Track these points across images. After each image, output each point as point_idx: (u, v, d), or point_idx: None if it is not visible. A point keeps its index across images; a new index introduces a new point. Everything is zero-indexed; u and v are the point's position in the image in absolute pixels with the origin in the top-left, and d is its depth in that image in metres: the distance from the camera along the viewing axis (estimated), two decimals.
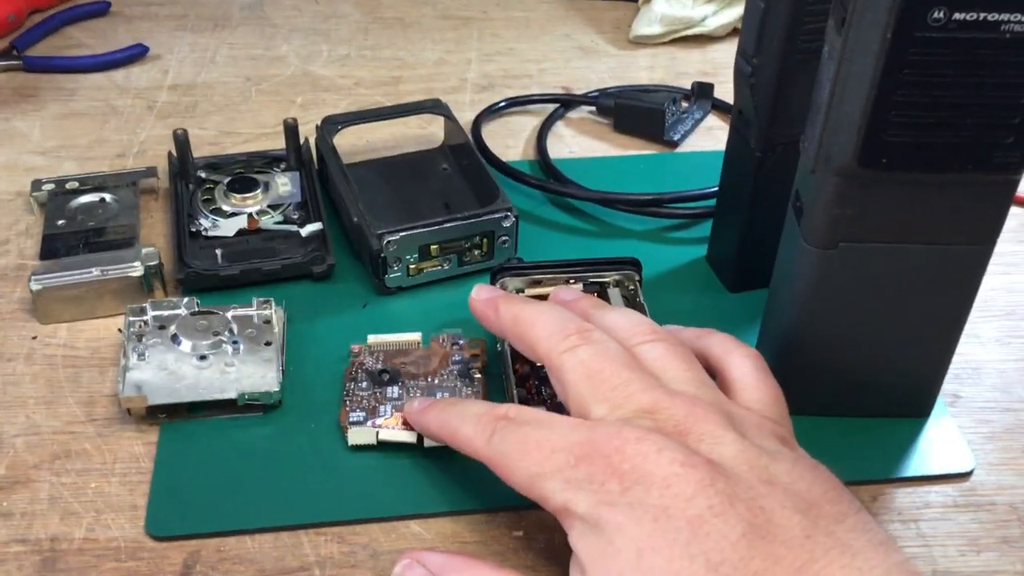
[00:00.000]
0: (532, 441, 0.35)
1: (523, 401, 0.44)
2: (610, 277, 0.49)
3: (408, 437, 0.43)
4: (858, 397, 0.45)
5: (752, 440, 0.34)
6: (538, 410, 0.38)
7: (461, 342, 0.48)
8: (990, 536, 0.42)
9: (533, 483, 0.35)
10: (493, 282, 0.49)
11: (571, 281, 0.48)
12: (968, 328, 0.43)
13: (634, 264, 0.49)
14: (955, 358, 0.44)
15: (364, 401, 0.45)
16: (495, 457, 0.37)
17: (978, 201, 0.38)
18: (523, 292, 0.48)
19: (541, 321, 0.40)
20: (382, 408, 0.45)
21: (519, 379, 0.45)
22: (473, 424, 0.38)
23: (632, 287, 0.49)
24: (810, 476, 0.33)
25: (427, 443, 0.43)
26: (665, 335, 0.39)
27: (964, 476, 0.44)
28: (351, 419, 0.44)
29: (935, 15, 0.33)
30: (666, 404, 0.35)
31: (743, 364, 0.39)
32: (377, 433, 0.43)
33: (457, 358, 0.47)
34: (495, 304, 0.42)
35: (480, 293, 0.44)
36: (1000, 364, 0.50)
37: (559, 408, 0.43)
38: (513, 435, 0.36)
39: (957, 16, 0.33)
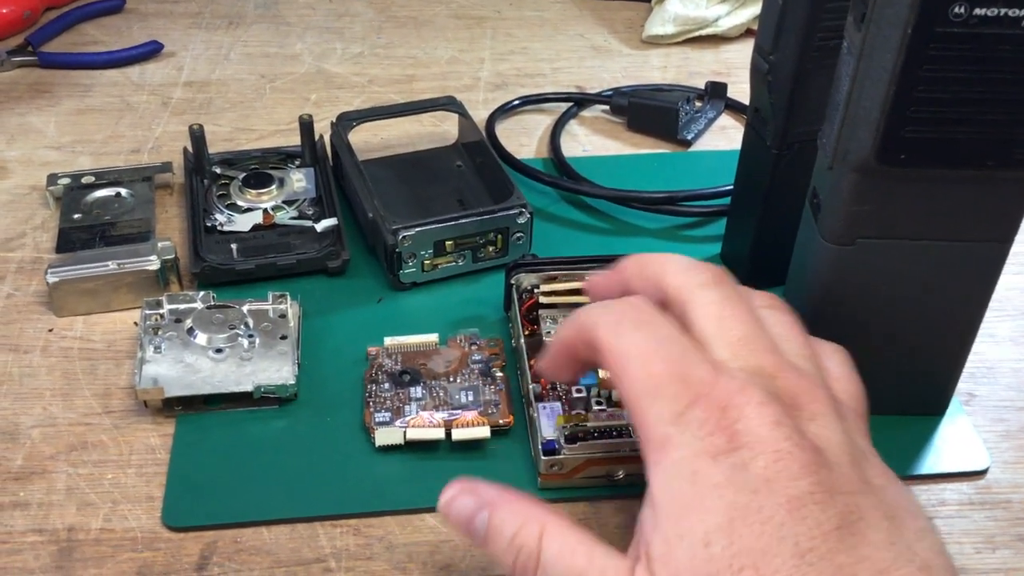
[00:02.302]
0: (659, 354, 0.33)
1: (537, 396, 0.44)
2: None
3: (436, 434, 0.43)
4: (873, 395, 0.44)
5: (850, 434, 0.34)
6: (665, 315, 0.35)
7: (479, 342, 0.48)
8: (1005, 534, 0.42)
9: (639, 400, 0.33)
10: (508, 278, 0.49)
11: (586, 277, 0.48)
12: (983, 327, 0.43)
13: None
14: (970, 357, 0.44)
15: (388, 402, 0.45)
16: (614, 351, 0.34)
17: (997, 198, 0.38)
18: (538, 288, 0.48)
19: (673, 259, 0.38)
20: (407, 408, 0.45)
21: (534, 375, 0.45)
22: (601, 308, 0.36)
23: None
24: (896, 485, 0.33)
25: (455, 436, 0.44)
26: (785, 305, 0.38)
27: (979, 474, 0.44)
28: (377, 419, 0.44)
29: (956, 10, 0.33)
30: (787, 374, 0.34)
31: (834, 356, 0.38)
32: (404, 433, 0.44)
33: (477, 357, 0.47)
34: (621, 263, 0.40)
35: (596, 276, 0.42)
36: (1015, 363, 0.50)
37: (574, 403, 0.43)
38: (642, 334, 0.34)
39: (978, 11, 0.33)
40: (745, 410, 0.32)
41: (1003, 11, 0.33)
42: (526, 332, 0.47)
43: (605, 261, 0.48)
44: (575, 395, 0.44)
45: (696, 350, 0.34)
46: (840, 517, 0.30)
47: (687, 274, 0.37)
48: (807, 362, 0.36)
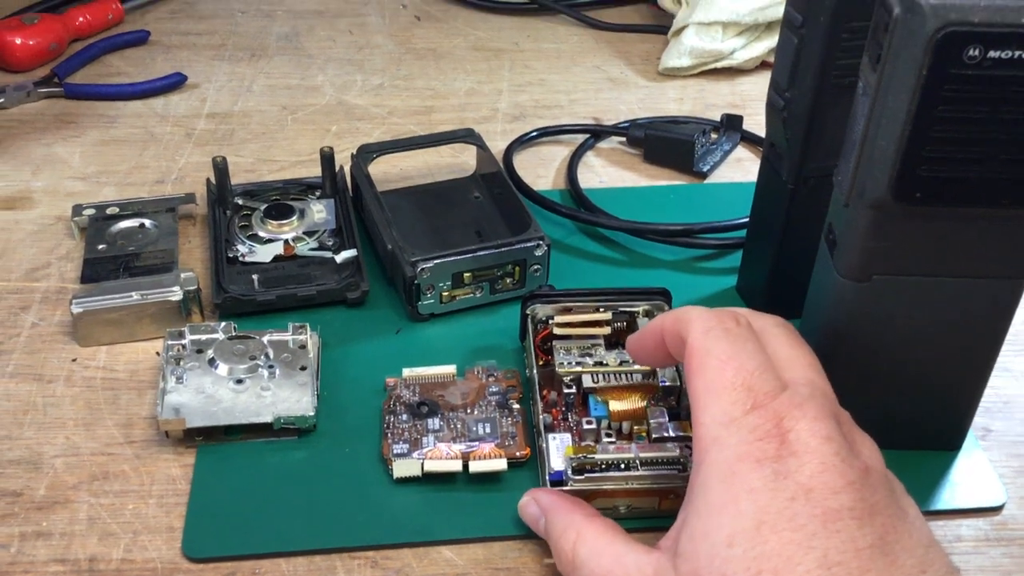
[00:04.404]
0: (735, 362, 0.35)
1: (548, 427, 0.44)
2: (640, 307, 0.49)
3: (453, 466, 0.44)
4: (889, 430, 0.44)
5: (888, 470, 0.35)
6: (752, 338, 0.37)
7: (496, 373, 0.49)
8: (1022, 571, 0.42)
9: (703, 398, 0.35)
10: (524, 309, 0.49)
11: (600, 309, 0.49)
12: (999, 361, 0.43)
13: (664, 294, 0.49)
14: (986, 392, 0.44)
15: (405, 433, 0.46)
16: (699, 349, 0.36)
17: (1012, 235, 0.38)
18: (553, 319, 0.48)
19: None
20: (425, 440, 0.45)
21: (546, 405, 0.46)
22: (702, 309, 0.38)
23: None
24: (926, 523, 0.34)
25: (472, 468, 0.44)
26: (791, 326, 0.41)
27: (995, 510, 0.44)
28: (395, 451, 0.45)
29: (971, 53, 0.33)
30: (841, 409, 0.37)
31: None
32: (422, 464, 0.44)
33: (494, 389, 0.48)
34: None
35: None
36: None
37: (585, 435, 0.44)
38: (728, 342, 0.36)
39: (992, 54, 0.33)
40: (800, 422, 0.33)
41: (1017, 54, 0.33)
42: (540, 362, 0.48)
43: (620, 293, 0.49)
44: (586, 427, 0.44)
45: (770, 367, 0.36)
46: (877, 536, 0.31)
47: (763, 316, 0.40)
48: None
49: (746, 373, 0.35)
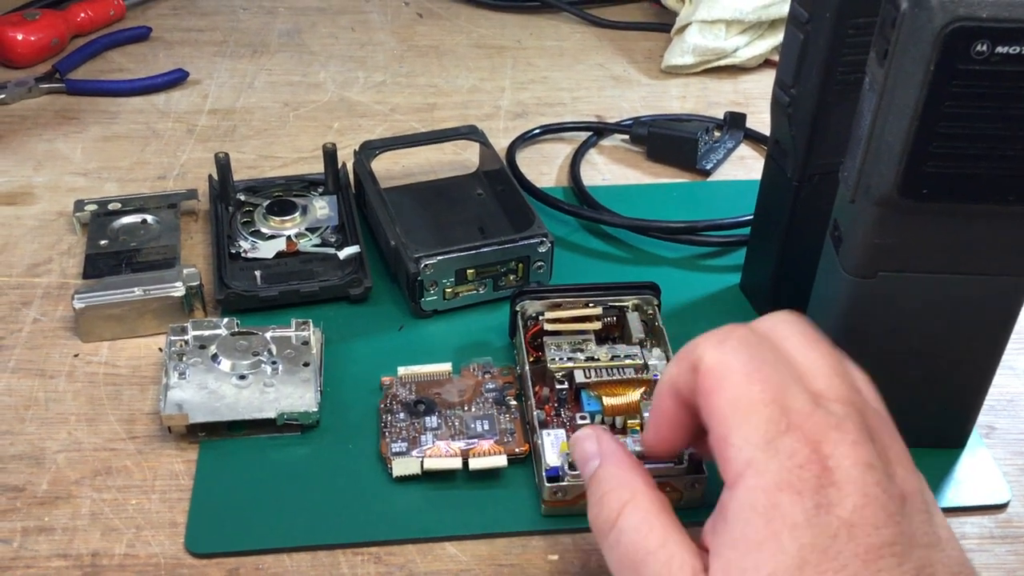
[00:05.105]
0: (760, 375, 0.32)
1: (542, 423, 0.44)
2: (629, 301, 0.49)
3: (453, 463, 0.44)
4: None
5: (923, 482, 0.33)
6: (770, 346, 0.34)
7: (492, 370, 0.49)
8: None
9: (729, 418, 0.32)
10: (513, 306, 0.49)
11: (590, 304, 0.49)
12: (1004, 360, 0.43)
13: (652, 288, 0.49)
14: (991, 389, 0.44)
15: (404, 432, 0.45)
16: (715, 364, 0.33)
17: (1018, 232, 0.38)
18: (543, 315, 0.48)
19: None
20: (423, 438, 0.45)
21: (538, 401, 0.46)
22: (706, 334, 0.35)
23: (651, 311, 0.49)
24: (955, 538, 0.33)
25: (472, 466, 0.44)
26: (808, 320, 0.37)
27: (1000, 508, 0.44)
28: (393, 450, 0.45)
29: (978, 48, 0.33)
30: (870, 412, 0.34)
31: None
32: (422, 462, 0.44)
33: (491, 386, 0.48)
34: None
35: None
36: None
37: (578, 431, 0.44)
38: (747, 354, 0.33)
39: (1000, 50, 0.33)
40: (840, 447, 0.31)
41: None
42: (531, 359, 0.48)
43: (609, 288, 0.49)
44: (579, 422, 0.44)
45: (797, 380, 0.33)
46: (915, 572, 0.30)
47: (773, 316, 0.37)
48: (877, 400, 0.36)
49: (774, 388, 0.32)
